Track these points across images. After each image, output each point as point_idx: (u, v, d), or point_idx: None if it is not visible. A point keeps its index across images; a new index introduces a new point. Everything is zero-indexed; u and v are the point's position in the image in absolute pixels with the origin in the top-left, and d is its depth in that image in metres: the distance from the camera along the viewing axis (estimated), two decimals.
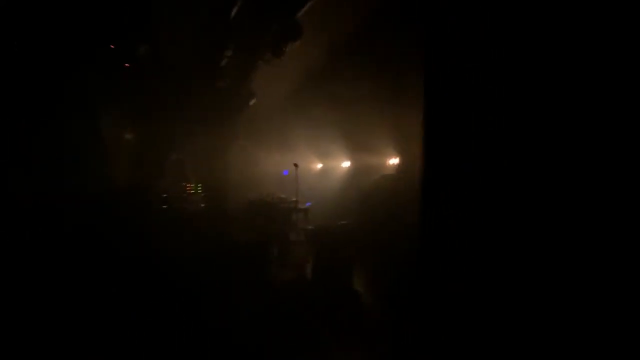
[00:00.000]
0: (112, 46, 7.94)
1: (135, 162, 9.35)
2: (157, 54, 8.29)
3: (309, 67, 8.08)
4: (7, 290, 4.54)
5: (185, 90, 8.74)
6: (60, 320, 4.18)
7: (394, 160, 6.89)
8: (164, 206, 9.95)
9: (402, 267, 5.05)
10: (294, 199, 6.92)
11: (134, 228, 7.69)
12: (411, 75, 5.62)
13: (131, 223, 7.90)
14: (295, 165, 6.20)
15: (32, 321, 4.10)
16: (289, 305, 5.00)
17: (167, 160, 10.01)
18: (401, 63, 5.93)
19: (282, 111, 9.55)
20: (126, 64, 8.29)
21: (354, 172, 8.34)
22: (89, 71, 7.60)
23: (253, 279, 5.58)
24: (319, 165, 10.37)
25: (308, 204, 7.31)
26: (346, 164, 8.94)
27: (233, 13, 6.22)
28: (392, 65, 6.31)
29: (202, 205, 10.42)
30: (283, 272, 6.00)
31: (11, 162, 6.51)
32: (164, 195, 10.00)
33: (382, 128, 6.78)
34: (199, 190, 10.48)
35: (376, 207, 5.98)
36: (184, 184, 10.46)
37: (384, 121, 6.68)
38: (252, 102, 8.96)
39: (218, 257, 6.02)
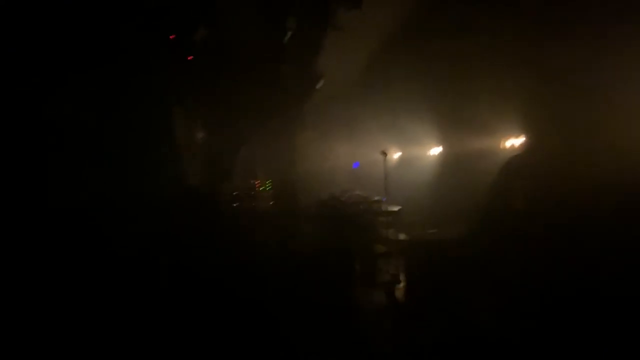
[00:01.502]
0: (171, 37, 7.40)
1: (205, 159, 9.07)
2: (217, 42, 7.53)
3: (390, 27, 6.50)
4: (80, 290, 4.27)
5: (249, 79, 7.94)
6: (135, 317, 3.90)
7: (514, 143, 5.02)
8: (235, 204, 9.72)
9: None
10: (377, 197, 5.49)
11: (205, 228, 7.29)
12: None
13: (202, 223, 7.51)
14: (384, 153, 4.75)
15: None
16: (376, 340, 3.73)
17: (237, 156, 9.60)
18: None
19: (353, 91, 8.15)
20: (189, 57, 7.78)
21: (449, 160, 6.55)
22: (154, 68, 7.22)
23: (330, 301, 4.35)
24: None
25: (384, 200, 5.80)
26: (436, 150, 7.17)
27: None
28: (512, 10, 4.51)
29: (271, 202, 9.84)
30: (368, 295, 4.65)
31: (81, 163, 6.44)
32: (235, 193, 9.74)
33: (495, 100, 4.97)
34: (268, 187, 10.03)
35: (504, 205, 4.28)
36: (253, 181, 10.07)
37: (498, 90, 4.89)
38: (320, 84, 7.80)
39: (287, 272, 4.94)
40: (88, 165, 6.53)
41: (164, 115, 8.10)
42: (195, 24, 7.19)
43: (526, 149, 4.72)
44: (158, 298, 4.38)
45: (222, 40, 7.41)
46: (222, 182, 9.09)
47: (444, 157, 6.79)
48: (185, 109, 8.78)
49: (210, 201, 8.43)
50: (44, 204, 5.53)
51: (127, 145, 7.04)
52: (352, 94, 8.25)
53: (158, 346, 3.46)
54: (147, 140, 7.48)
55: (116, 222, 5.95)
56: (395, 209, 5.17)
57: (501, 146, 5.36)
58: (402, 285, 4.70)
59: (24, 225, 5.07)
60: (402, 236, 4.59)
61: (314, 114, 8.63)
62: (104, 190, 6.38)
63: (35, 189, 5.51)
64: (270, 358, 3.35)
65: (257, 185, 9.96)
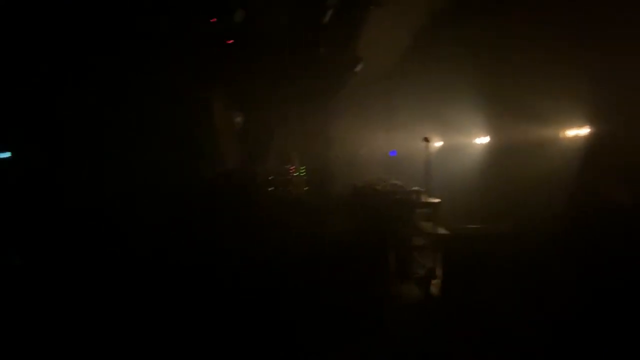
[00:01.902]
0: (213, 19, 7.36)
1: (242, 144, 9.16)
2: (254, 24, 7.40)
3: (434, 5, 6.04)
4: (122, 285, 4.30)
5: (286, 63, 7.79)
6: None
7: (576, 133, 4.49)
8: (270, 188, 9.84)
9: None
10: (415, 187, 5.19)
11: (239, 213, 7.38)
12: None
13: (236, 208, 7.61)
14: (426, 139, 4.44)
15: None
16: (408, 337, 3.54)
17: (272, 141, 9.63)
18: None
19: (393, 75, 7.75)
20: (228, 41, 7.73)
21: (497, 151, 6.04)
22: (191, 52, 7.26)
23: (362, 294, 4.20)
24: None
25: (422, 190, 5.45)
26: (482, 139, 6.65)
27: None
28: None
29: (305, 188, 9.81)
30: (401, 289, 4.44)
31: (118, 149, 6.64)
32: (270, 178, 9.84)
33: (554, 88, 4.46)
34: (302, 173, 10.02)
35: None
36: (287, 166, 10.09)
37: (557, 77, 4.38)
38: (358, 67, 7.48)
39: (318, 260, 4.82)
40: (125, 152, 6.72)
41: (200, 101, 8.19)
42: (233, 7, 7.08)
43: (593, 141, 4.19)
44: (192, 284, 4.40)
45: (259, 22, 7.26)
46: (256, 166, 9.15)
47: (491, 147, 6.27)
48: (222, 93, 8.83)
49: (245, 186, 8.51)
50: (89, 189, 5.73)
51: (162, 130, 7.19)
52: (392, 78, 7.85)
53: (195, 335, 3.45)
54: (183, 125, 7.61)
55: (153, 207, 6.10)
56: (435, 200, 4.85)
57: (560, 137, 4.82)
58: (438, 281, 4.44)
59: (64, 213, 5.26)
60: (441, 230, 4.30)
61: (351, 98, 8.35)
62: (140, 176, 6.57)
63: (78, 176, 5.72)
64: (298, 349, 3.27)
65: (291, 171, 9.96)
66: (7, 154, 5.76)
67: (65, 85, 5.98)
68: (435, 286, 4.48)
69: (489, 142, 6.44)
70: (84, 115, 6.27)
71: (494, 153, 6.15)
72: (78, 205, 5.48)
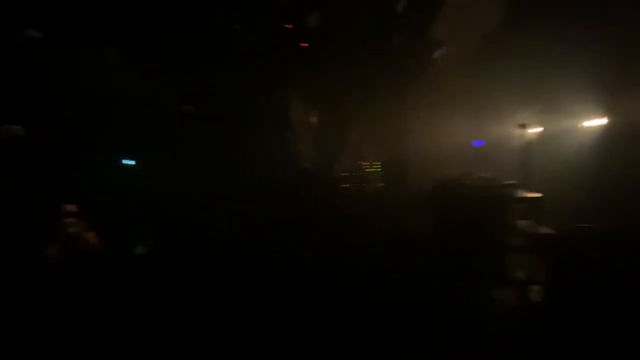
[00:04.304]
0: (289, 26, 7.61)
1: (317, 141, 9.31)
2: (327, 23, 7.44)
3: None
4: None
5: (360, 56, 7.67)
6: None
7: None
8: (345, 185, 9.85)
9: None
10: (511, 181, 4.62)
11: (313, 211, 7.47)
12: None
13: (311, 206, 7.73)
14: (522, 126, 3.91)
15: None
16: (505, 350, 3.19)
17: (347, 137, 9.62)
18: None
19: (481, 57, 7.05)
20: (303, 44, 7.92)
21: (614, 135, 5.07)
22: (267, 56, 7.60)
23: (452, 301, 3.91)
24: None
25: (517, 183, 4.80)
26: (595, 123, 5.63)
27: None
28: None
29: (381, 184, 9.58)
30: (497, 295, 4.02)
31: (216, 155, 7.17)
32: (344, 174, 9.84)
33: None
34: (378, 168, 9.82)
35: None
36: (361, 162, 9.98)
37: None
38: (438, 53, 6.99)
39: (398, 263, 4.61)
40: (206, 152, 7.24)
41: (277, 101, 8.51)
42: (308, 10, 7.17)
43: None
44: (269, 281, 4.47)
45: (332, 19, 7.24)
46: (331, 164, 9.20)
47: (605, 131, 5.29)
48: (298, 92, 9.04)
49: (320, 183, 8.60)
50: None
51: (241, 131, 7.62)
52: (477, 61, 7.15)
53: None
54: (260, 125, 7.99)
55: (231, 205, 6.46)
56: (535, 195, 4.27)
57: None
58: (540, 286, 3.92)
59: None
60: (543, 229, 3.76)
61: (431, 87, 7.85)
62: (219, 175, 7.02)
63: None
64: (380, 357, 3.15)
65: (365, 167, 9.79)
66: (132, 162, 6.63)
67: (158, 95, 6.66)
68: (537, 293, 3.97)
69: (603, 125, 5.45)
70: (176, 119, 6.92)
71: (609, 138, 5.19)
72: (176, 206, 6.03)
